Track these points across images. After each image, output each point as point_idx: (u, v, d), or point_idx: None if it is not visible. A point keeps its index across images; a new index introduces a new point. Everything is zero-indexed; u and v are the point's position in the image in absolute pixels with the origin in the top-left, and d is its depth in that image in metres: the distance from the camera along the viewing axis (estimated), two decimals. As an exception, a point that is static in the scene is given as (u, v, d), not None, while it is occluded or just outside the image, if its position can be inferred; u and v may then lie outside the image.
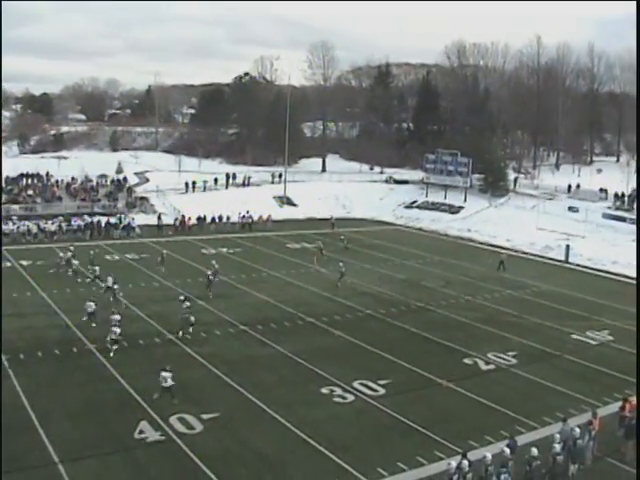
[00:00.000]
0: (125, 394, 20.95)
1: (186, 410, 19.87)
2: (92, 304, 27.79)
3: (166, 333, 27.14)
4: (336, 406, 20.76)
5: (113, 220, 51.58)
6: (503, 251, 44.54)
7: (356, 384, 22.39)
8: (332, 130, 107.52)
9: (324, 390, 21.85)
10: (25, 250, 42.78)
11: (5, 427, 18.26)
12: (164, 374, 20.43)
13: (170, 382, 20.30)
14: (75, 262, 37.04)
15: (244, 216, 55.74)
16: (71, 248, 39.35)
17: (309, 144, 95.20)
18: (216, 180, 68.32)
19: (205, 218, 54.49)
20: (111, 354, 24.12)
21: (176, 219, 53.27)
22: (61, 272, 36.65)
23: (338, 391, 21.81)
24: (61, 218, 50.53)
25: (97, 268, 35.35)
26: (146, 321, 28.82)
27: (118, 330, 24.96)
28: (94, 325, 27.25)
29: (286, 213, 62.71)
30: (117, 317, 25.99)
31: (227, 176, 70.06)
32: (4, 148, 79.88)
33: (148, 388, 21.19)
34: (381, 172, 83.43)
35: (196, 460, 17.26)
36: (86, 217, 51.66)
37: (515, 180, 68.30)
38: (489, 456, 15.96)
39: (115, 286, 31.59)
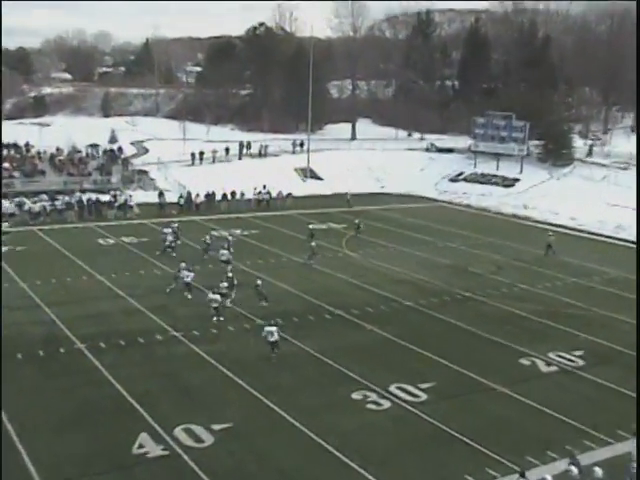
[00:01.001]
0: (121, 401, 21.04)
1: (193, 420, 19.90)
2: (190, 273, 31.12)
3: (169, 329, 27.26)
4: (369, 414, 20.69)
5: (106, 198, 51.83)
6: (551, 232, 43.94)
7: (393, 388, 22.30)
8: (363, 90, 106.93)
9: (355, 395, 21.80)
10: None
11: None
12: (269, 328, 24.23)
13: (276, 336, 24.11)
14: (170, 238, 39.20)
15: (260, 192, 55.79)
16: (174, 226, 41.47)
17: (336, 107, 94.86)
18: (227, 150, 68.47)
19: (215, 195, 54.60)
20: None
21: (181, 196, 53.44)
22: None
23: (372, 396, 21.74)
24: (44, 196, 50.81)
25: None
26: (146, 315, 28.95)
27: (217, 297, 27.87)
28: (190, 297, 30.34)
29: (309, 188, 62.63)
30: (224, 284, 29.55)
31: (240, 145, 70.09)
32: None
33: (149, 393, 21.32)
34: (421, 139, 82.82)
35: (205, 478, 17.30)
36: (77, 194, 51.88)
37: (590, 149, 66.93)
38: (549, 479, 15.76)
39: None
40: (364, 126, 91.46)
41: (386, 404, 21.27)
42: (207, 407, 20.79)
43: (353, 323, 28.66)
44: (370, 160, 70.43)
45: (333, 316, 29.49)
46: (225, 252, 36.59)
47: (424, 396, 21.87)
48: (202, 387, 22.15)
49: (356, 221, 45.84)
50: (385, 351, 25.69)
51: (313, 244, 38.40)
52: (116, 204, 50.84)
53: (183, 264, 32.41)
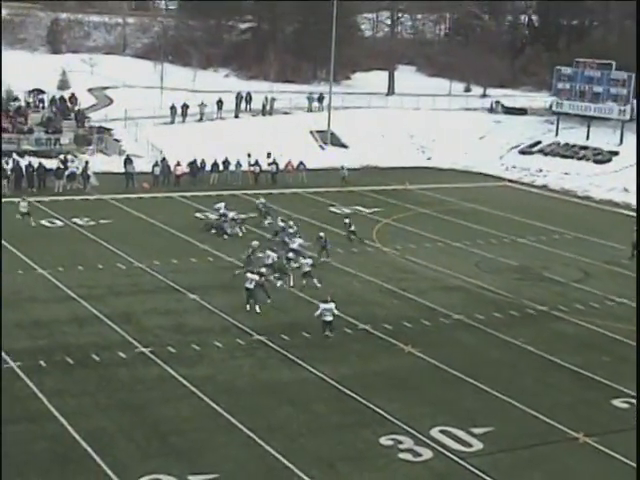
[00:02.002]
0: (66, 441, 20.95)
1: (166, 469, 19.85)
2: (273, 254, 34.11)
3: (135, 344, 27.27)
4: (403, 467, 20.58)
5: (53, 164, 51.97)
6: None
7: (436, 432, 22.20)
8: (406, 27, 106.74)
9: (385, 440, 21.70)
10: None
11: None
12: (325, 306, 27.85)
13: (332, 316, 27.86)
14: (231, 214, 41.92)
15: (257, 162, 55.58)
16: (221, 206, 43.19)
17: (369, 49, 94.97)
18: (220, 103, 68.50)
19: (203, 164, 54.61)
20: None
21: (156, 164, 53.61)
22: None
23: (407, 443, 21.63)
24: None
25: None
26: (104, 324, 29.00)
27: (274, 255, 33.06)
28: (279, 284, 33.03)
29: (330, 158, 62.66)
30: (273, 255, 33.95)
31: (238, 98, 70.18)
32: None
33: (105, 432, 21.30)
34: (483, 95, 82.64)
35: None
36: (12, 158, 51.97)
37: None
38: None
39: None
40: (406, 76, 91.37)
41: (426, 454, 21.15)
42: (184, 452, 20.74)
43: (384, 342, 28.59)
44: (412, 123, 70.33)
45: (357, 332, 29.41)
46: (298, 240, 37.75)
47: (478, 445, 21.72)
48: (178, 424, 22.08)
49: (346, 220, 42.67)
50: (427, 382, 25.59)
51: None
52: (66, 173, 50.96)
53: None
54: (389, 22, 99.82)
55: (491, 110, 75.63)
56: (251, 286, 30.39)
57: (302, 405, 23.60)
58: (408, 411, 23.27)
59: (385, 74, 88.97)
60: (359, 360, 27.03)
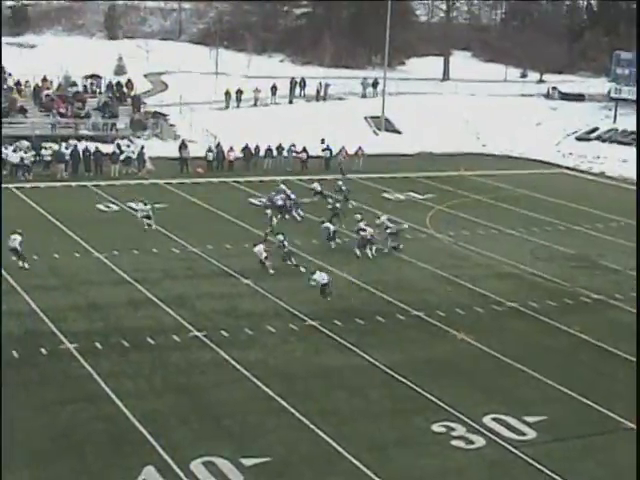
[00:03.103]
0: (122, 423, 21.27)
1: (217, 451, 20.04)
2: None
3: (190, 327, 27.55)
4: (455, 453, 20.56)
5: (109, 148, 52.44)
6: None
7: (488, 420, 22.14)
8: (462, 12, 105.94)
9: (437, 427, 21.69)
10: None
11: None
12: (316, 276, 30.33)
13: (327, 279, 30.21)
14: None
15: (304, 149, 55.39)
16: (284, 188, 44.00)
17: (424, 34, 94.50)
18: (274, 89, 68.64)
19: (258, 150, 54.73)
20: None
21: (209, 150, 53.88)
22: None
23: (459, 430, 21.61)
24: (25, 143, 51.46)
25: None
26: (159, 308, 29.34)
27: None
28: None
29: (384, 144, 62.61)
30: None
31: (292, 83, 70.30)
32: None
33: (159, 414, 21.60)
34: (540, 81, 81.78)
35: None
36: (70, 143, 52.36)
37: None
38: None
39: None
40: (461, 62, 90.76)
41: (479, 441, 21.11)
42: (236, 435, 20.91)
43: (437, 329, 28.57)
44: (468, 109, 70.01)
45: (410, 319, 29.43)
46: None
47: (532, 433, 21.61)
48: (231, 407, 22.27)
49: (341, 186, 46.16)
50: (480, 370, 25.53)
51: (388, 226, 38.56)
52: (121, 157, 51.35)
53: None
54: (444, 7, 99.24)
55: (547, 96, 74.89)
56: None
57: (354, 390, 23.65)
58: (461, 398, 23.23)
59: (440, 60, 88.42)
60: (412, 346, 27.04)
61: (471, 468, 20.03)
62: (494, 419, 22.21)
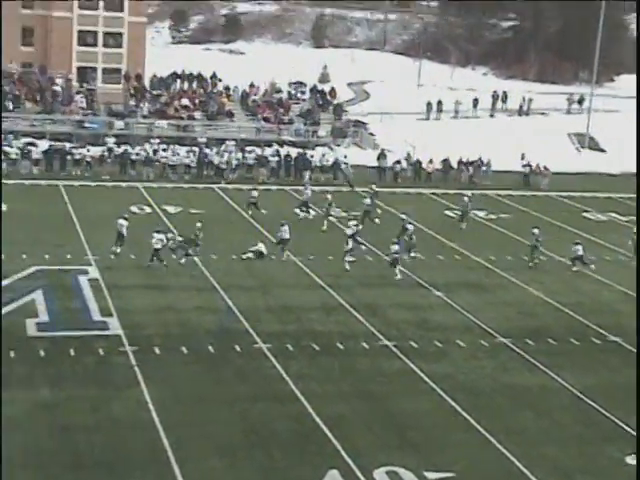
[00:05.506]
0: (308, 425, 21.71)
1: (401, 461, 20.12)
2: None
3: (379, 336, 27.79)
4: (649, 488, 19.80)
5: (311, 155, 53.28)
6: None
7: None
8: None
9: (631, 460, 20.90)
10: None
11: (125, 452, 19.66)
12: (158, 236, 32.39)
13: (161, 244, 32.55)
14: None
15: (486, 164, 54.49)
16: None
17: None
18: (476, 102, 68.23)
19: (461, 162, 54.26)
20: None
21: (408, 159, 53.86)
22: None
23: (654, 464, 20.78)
24: (233, 145, 52.98)
25: None
26: (350, 314, 29.71)
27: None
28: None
29: (586, 163, 61.01)
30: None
31: (494, 96, 69.71)
32: (148, 33, 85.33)
33: (345, 419, 21.91)
34: None
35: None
36: (273, 147, 53.55)
37: None
38: None
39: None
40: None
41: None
42: (421, 447, 20.96)
43: (632, 355, 27.60)
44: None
45: (606, 343, 28.69)
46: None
47: None
48: (416, 419, 22.35)
49: (373, 187, 45.38)
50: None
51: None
52: (318, 164, 51.96)
53: None
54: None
55: None
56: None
57: (543, 412, 23.25)
58: (657, 431, 22.32)
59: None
60: (607, 371, 26.32)
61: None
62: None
